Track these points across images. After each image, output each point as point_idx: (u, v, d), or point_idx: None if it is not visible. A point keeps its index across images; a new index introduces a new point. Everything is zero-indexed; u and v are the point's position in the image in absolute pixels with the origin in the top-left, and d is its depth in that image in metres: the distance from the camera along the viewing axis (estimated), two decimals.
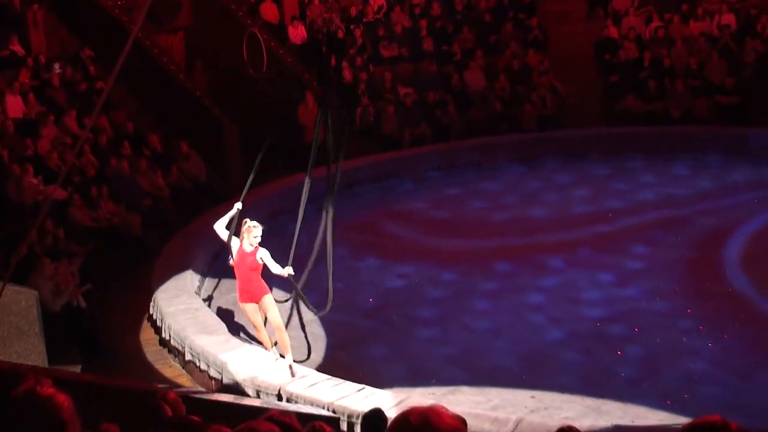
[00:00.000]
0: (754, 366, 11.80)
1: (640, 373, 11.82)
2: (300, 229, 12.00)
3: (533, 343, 12.80)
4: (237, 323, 13.11)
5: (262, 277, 11.31)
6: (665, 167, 19.98)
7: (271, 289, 11.61)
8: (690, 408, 10.49)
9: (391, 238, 17.12)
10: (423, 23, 24.21)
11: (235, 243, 11.34)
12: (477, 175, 20.38)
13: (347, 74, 22.47)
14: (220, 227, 11.58)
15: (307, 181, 12.04)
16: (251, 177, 11.96)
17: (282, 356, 11.26)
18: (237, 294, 11.68)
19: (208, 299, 13.87)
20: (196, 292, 13.74)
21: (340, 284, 14.67)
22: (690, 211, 17.36)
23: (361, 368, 12.04)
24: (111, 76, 7.60)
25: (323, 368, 11.71)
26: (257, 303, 11.28)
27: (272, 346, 11.58)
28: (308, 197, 12.05)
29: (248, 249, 11.16)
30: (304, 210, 12.05)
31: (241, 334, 12.62)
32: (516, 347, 12.67)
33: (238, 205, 11.63)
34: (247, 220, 11.36)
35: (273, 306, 11.33)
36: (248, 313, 11.53)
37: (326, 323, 13.29)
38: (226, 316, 13.26)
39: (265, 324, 11.48)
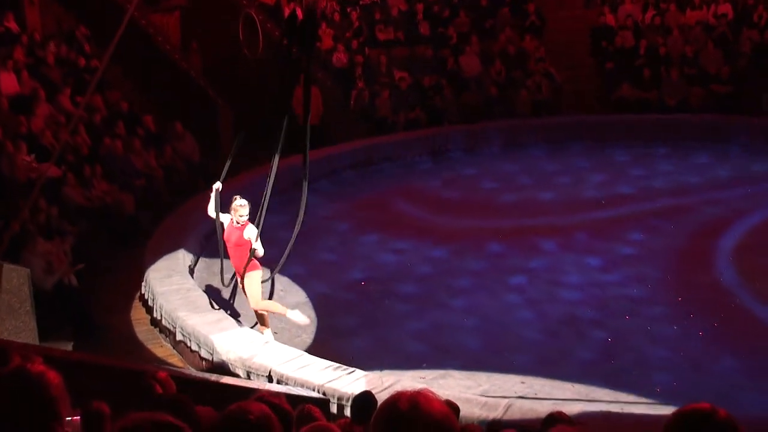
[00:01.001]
0: (711, 355, 11.86)
1: (597, 356, 11.95)
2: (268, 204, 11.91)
3: (501, 322, 12.97)
4: (228, 304, 13.12)
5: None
6: (687, 155, 20.05)
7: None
8: (635, 392, 10.75)
9: (396, 215, 17.37)
10: (419, 7, 24.19)
11: (225, 219, 11.56)
12: (499, 156, 20.68)
13: (342, 57, 22.45)
14: (211, 210, 11.77)
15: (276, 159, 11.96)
16: (228, 161, 12.04)
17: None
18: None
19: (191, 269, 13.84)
20: (189, 266, 13.75)
21: (333, 256, 15.08)
22: (698, 200, 17.40)
23: (329, 338, 12.37)
24: (105, 55, 7.60)
25: (311, 348, 11.80)
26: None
27: (267, 327, 11.69)
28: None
29: (236, 225, 11.39)
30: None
31: (232, 315, 12.61)
32: (483, 325, 12.87)
33: (216, 186, 11.76)
34: (237, 197, 11.53)
35: (255, 284, 11.55)
36: (248, 289, 11.68)
37: (308, 293, 13.60)
38: (217, 296, 13.27)
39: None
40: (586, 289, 13.88)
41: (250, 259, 11.37)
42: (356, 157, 19.97)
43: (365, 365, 10.97)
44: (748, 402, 10.55)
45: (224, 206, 11.68)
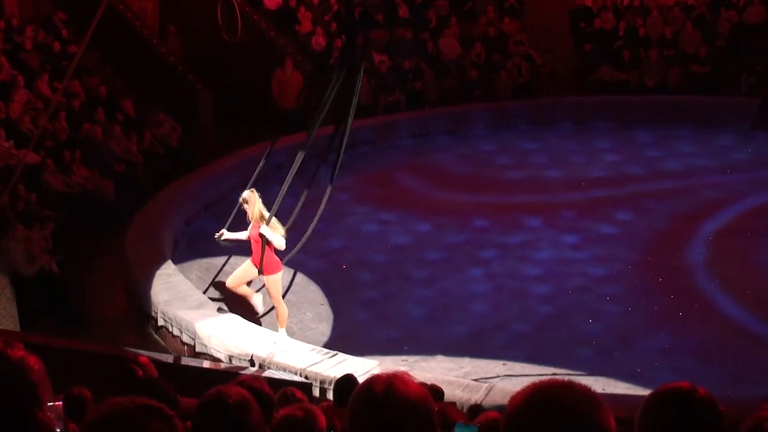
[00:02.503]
0: (644, 335, 11.98)
1: (532, 330, 12.16)
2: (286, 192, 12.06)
3: (453, 294, 13.16)
4: (210, 289, 13.11)
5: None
6: (711, 138, 19.91)
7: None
8: (553, 365, 10.96)
9: (397, 189, 17.50)
10: None
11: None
12: (521, 134, 20.68)
13: (321, 41, 22.39)
14: (241, 236, 11.69)
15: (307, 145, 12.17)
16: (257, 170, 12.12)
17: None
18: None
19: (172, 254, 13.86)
20: (170, 251, 13.74)
21: (320, 225, 15.18)
22: (702, 182, 17.33)
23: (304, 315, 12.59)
24: (84, 40, 7.57)
25: (296, 332, 11.86)
26: (256, 271, 11.48)
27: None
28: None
29: (254, 220, 11.36)
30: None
31: (214, 301, 12.61)
32: (435, 297, 13.09)
33: (219, 235, 11.93)
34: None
35: (274, 286, 11.52)
36: (241, 267, 11.64)
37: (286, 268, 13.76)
38: (199, 282, 13.26)
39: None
40: (549, 266, 14.01)
41: (263, 256, 11.30)
42: (374, 132, 20.10)
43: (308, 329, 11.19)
44: (656, 381, 10.63)
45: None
